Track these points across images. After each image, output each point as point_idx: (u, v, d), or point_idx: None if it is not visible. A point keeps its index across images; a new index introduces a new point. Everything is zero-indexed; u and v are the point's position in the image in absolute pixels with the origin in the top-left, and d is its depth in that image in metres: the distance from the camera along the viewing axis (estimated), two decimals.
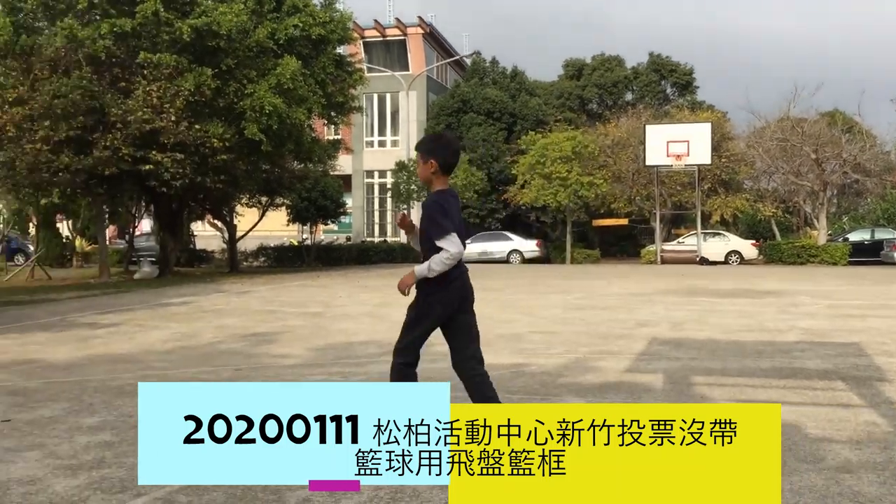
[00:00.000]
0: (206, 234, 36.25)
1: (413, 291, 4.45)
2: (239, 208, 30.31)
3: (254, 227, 30.08)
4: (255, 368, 7.51)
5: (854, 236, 34.86)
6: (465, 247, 4.46)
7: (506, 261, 34.04)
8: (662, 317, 11.86)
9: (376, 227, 44.50)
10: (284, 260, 34.18)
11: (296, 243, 37.31)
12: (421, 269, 4.35)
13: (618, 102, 44.94)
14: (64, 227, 35.00)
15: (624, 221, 38.02)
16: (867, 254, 32.15)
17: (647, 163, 32.93)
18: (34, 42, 20.89)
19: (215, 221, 31.05)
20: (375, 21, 42.84)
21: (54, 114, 19.07)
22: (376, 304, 14.21)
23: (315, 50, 23.28)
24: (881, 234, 33.79)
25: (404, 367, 4.45)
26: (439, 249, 4.28)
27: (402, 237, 39.27)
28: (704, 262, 31.72)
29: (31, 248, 31.54)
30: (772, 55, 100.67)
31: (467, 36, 64.76)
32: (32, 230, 33.29)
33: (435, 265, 4.30)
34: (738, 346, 8.67)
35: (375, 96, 43.03)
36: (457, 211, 4.54)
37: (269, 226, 34.61)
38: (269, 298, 15.90)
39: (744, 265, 31.53)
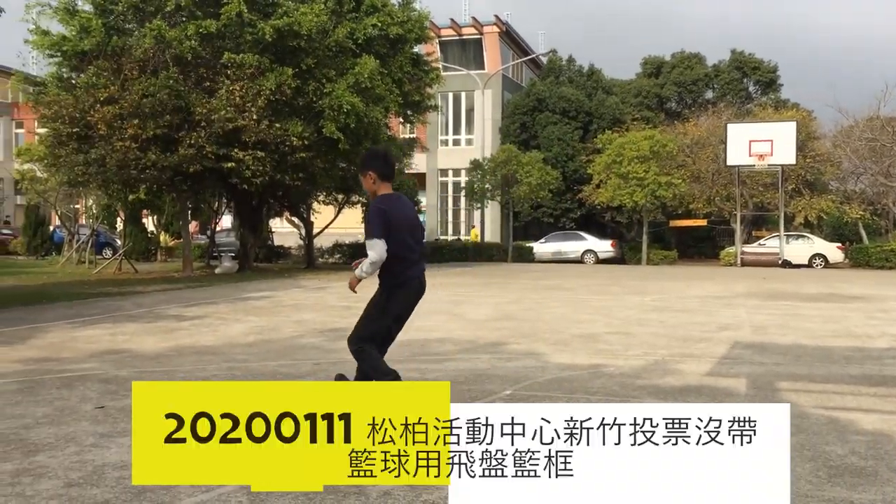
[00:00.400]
0: (283, 230, 36.94)
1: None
2: (316, 205, 30.81)
3: (330, 223, 30.55)
4: (334, 364, 7.64)
5: None
6: (418, 248, 5.35)
7: (580, 261, 33.73)
8: (744, 320, 11.59)
9: (450, 226, 44.65)
10: (359, 257, 34.45)
11: (473, 240, 37.86)
12: (357, 271, 5.10)
13: (697, 101, 44.01)
14: (149, 223, 36.20)
15: (703, 222, 37.20)
16: None
17: (728, 163, 32.14)
18: (124, 43, 21.70)
19: (293, 218, 31.64)
20: (451, 20, 42.98)
21: (143, 112, 19.75)
22: (449, 302, 14.28)
23: (392, 49, 23.52)
24: None
25: (365, 347, 5.22)
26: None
27: (475, 236, 39.37)
28: (787, 264, 30.79)
29: (119, 242, 32.75)
30: (861, 51, 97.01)
31: (543, 34, 64.42)
32: (120, 225, 34.55)
33: (363, 270, 5.08)
34: (825, 352, 8.41)
35: (451, 95, 43.16)
36: (404, 211, 5.27)
37: (345, 223, 35.08)
38: (345, 294, 16.11)
39: (829, 269, 30.51)
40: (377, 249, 5.01)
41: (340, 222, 32.49)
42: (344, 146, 22.01)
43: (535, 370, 7.31)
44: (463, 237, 41.58)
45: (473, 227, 41.13)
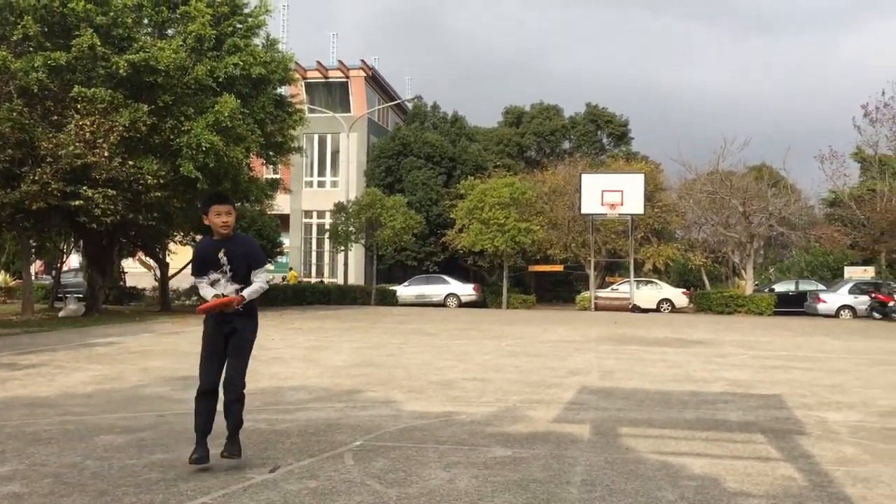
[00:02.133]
0: (138, 271, 35.42)
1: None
2: (172, 246, 29.76)
3: (187, 265, 29.48)
4: (178, 415, 7.32)
5: (780, 287, 35.99)
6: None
7: (443, 304, 34.08)
8: (593, 365, 12.01)
9: (313, 268, 44.16)
10: None
11: (290, 282, 36.77)
12: (248, 293, 5.28)
13: (555, 150, 45.84)
14: None
15: (559, 268, 38.53)
16: (792, 304, 33.18)
17: (583, 211, 33.57)
18: None
19: (146, 259, 30.39)
20: (318, 62, 43.03)
21: None
22: (308, 347, 14.06)
23: (255, 89, 23.23)
24: (805, 286, 34.96)
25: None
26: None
27: (339, 278, 39.04)
28: (637, 309, 32.27)
29: None
30: (704, 110, 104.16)
31: (410, 79, 65.54)
32: None
33: (254, 293, 5.33)
34: (665, 397, 8.82)
35: (316, 137, 43.02)
36: None
37: None
38: (199, 340, 15.51)
39: (675, 313, 32.18)
40: (266, 278, 5.47)
41: None
42: (202, 186, 21.43)
43: (389, 419, 7.28)
44: (327, 279, 41.18)
45: (291, 269, 40.60)
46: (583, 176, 33.99)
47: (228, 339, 5.31)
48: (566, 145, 46.85)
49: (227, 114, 20.79)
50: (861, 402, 8.69)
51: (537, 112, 47.24)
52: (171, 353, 12.99)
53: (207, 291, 5.31)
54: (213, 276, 5.30)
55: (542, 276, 41.13)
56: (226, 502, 4.53)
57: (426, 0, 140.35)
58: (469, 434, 6.61)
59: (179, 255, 29.97)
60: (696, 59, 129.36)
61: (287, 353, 13.06)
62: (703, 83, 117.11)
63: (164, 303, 28.22)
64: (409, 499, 4.66)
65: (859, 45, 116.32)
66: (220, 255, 5.27)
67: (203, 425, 5.30)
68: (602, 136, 47.54)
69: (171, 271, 29.02)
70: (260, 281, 5.37)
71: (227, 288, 5.25)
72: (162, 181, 20.59)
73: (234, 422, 5.35)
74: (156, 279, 30.12)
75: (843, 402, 8.72)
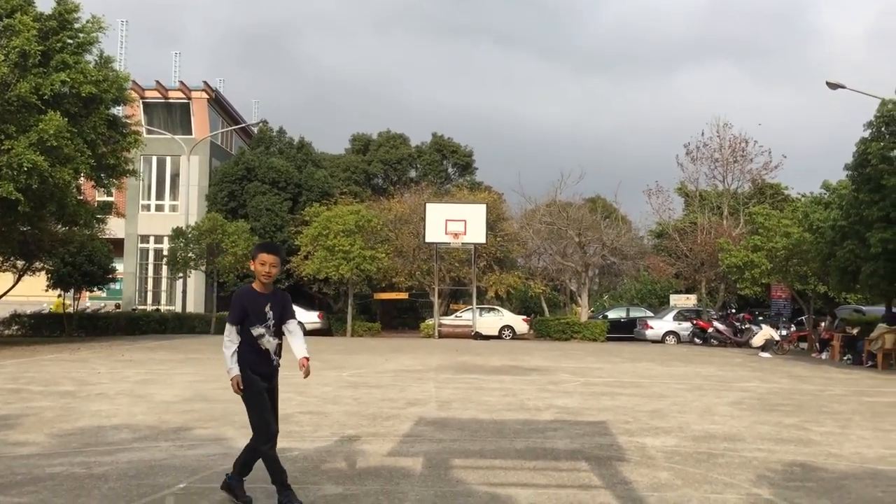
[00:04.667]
0: None
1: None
2: None
3: (7, 292, 27.45)
4: None
5: (612, 314, 37.91)
6: None
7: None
8: (432, 395, 12.12)
9: (149, 295, 42.20)
10: (43, 328, 31.38)
11: (54, 309, 34.37)
12: (305, 345, 5.46)
13: (402, 179, 46.36)
14: None
15: (404, 295, 38.80)
16: (623, 330, 35.03)
17: (427, 239, 34.04)
18: None
19: None
20: (157, 82, 41.47)
21: None
22: (138, 381, 13.37)
23: (85, 108, 22.01)
24: (635, 313, 37.01)
25: None
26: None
27: (178, 306, 37.47)
28: (479, 336, 32.97)
29: None
30: (545, 141, 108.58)
31: (257, 103, 64.39)
32: None
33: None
34: (499, 426, 9.03)
35: (155, 159, 41.38)
36: None
37: (26, 290, 31.73)
38: (14, 375, 14.47)
39: (516, 339, 33.11)
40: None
41: (21, 290, 29.32)
42: (24, 208, 20.04)
43: (218, 458, 7.02)
44: (164, 307, 39.43)
45: (60, 296, 32.97)
46: (427, 205, 34.50)
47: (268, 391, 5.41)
48: (412, 174, 47.50)
49: (52, 132, 19.56)
50: (677, 427, 9.24)
51: (384, 140, 47.65)
52: None
53: (230, 360, 5.25)
54: (259, 329, 5.23)
55: (388, 304, 41.27)
56: None
57: (274, 23, 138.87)
58: (300, 471, 6.49)
59: None
60: (538, 94, 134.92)
61: (112, 389, 12.37)
62: (545, 117, 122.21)
63: None
64: None
65: (686, 86, 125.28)
66: (267, 308, 5.26)
67: (282, 475, 5.32)
68: (448, 166, 48.55)
69: None
70: (300, 334, 5.52)
71: (272, 342, 5.29)
72: None
73: (280, 468, 5.37)
74: None
75: (661, 427, 9.25)
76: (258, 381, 5.24)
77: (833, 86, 26.19)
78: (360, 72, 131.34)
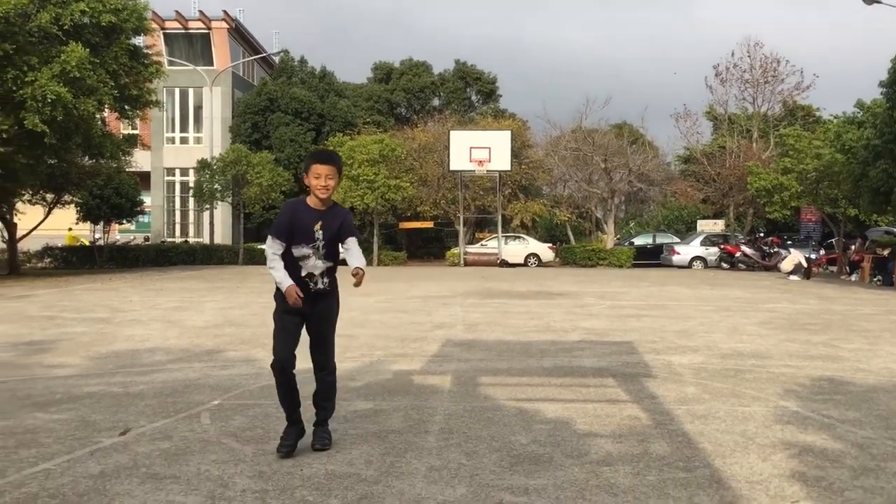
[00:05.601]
0: None
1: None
2: (20, 205, 27.93)
3: (38, 225, 27.81)
4: (23, 381, 6.94)
5: (638, 240, 37.74)
6: None
7: None
8: (458, 318, 12.22)
9: (177, 227, 42.59)
10: (74, 261, 31.89)
11: (87, 243, 34.88)
12: (361, 259, 4.81)
13: (425, 107, 45.84)
14: None
15: (430, 224, 38.82)
16: (649, 256, 34.88)
17: (451, 168, 33.84)
18: None
19: None
20: (177, 12, 41.02)
21: None
22: (169, 308, 13.60)
23: (106, 39, 21.86)
24: (661, 239, 36.81)
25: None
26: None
27: (205, 238, 37.85)
28: (505, 264, 33.02)
29: None
30: (569, 68, 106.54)
31: (277, 33, 63.58)
32: None
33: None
34: (525, 347, 9.09)
35: (177, 90, 41.21)
36: None
37: (56, 224, 32.14)
38: (49, 303, 14.76)
39: (541, 267, 33.14)
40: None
41: (51, 223, 29.70)
42: (51, 140, 20.12)
43: (249, 378, 7.16)
44: (191, 239, 39.83)
45: (70, 229, 34.40)
46: (451, 133, 34.19)
47: (308, 317, 4.70)
48: (436, 102, 46.95)
49: (74, 64, 19.48)
50: (704, 346, 9.25)
51: (407, 69, 47.00)
52: (17, 317, 12.26)
53: (279, 272, 4.59)
54: (303, 250, 4.61)
55: (413, 233, 41.37)
56: (70, 468, 4.34)
57: None
58: None
59: (28, 216, 28.19)
60: (562, 18, 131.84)
61: (145, 315, 12.59)
62: (569, 43, 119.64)
63: (13, 266, 26.52)
64: (266, 455, 4.62)
65: (716, 5, 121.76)
66: (317, 228, 4.62)
67: (290, 403, 4.71)
68: (471, 94, 47.90)
69: (19, 232, 27.26)
70: (358, 249, 4.83)
71: (318, 266, 4.65)
72: (5, 136, 19.20)
73: (325, 411, 4.83)
74: (3, 241, 28.23)
75: (688, 346, 9.27)
76: (286, 304, 4.59)
77: (869, 0, 25.29)
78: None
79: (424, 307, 14.11)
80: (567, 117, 63.24)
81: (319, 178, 4.62)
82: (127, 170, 29.92)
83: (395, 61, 48.04)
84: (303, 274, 4.63)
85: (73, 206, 29.99)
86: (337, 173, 4.69)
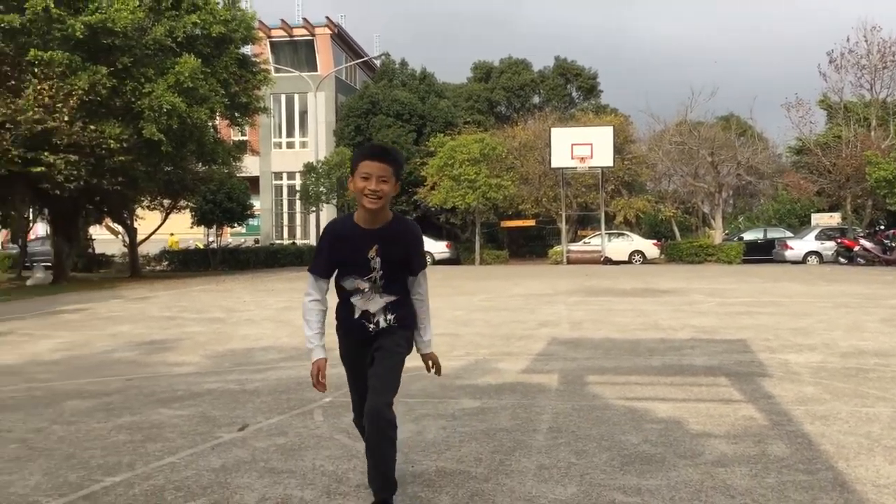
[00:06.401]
0: (106, 237, 34.99)
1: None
2: (140, 211, 29.40)
3: (156, 230, 29.23)
4: (147, 378, 7.30)
5: (748, 235, 36.44)
6: None
7: None
8: (563, 316, 12.11)
9: (285, 230, 43.92)
10: (189, 264, 33.35)
11: (201, 246, 36.40)
12: (430, 332, 3.79)
13: (525, 105, 45.69)
14: None
15: (531, 222, 38.63)
16: (760, 252, 33.63)
17: (553, 165, 33.60)
18: None
19: (114, 225, 30.03)
20: (282, 21, 42.30)
21: None
22: (280, 308, 14.03)
23: (217, 49, 22.78)
24: (773, 234, 35.42)
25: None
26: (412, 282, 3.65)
27: (312, 239, 38.85)
28: (608, 261, 32.53)
29: None
30: (671, 61, 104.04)
31: (378, 37, 64.75)
32: None
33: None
34: (633, 345, 8.93)
35: (283, 97, 42.48)
36: None
37: (173, 228, 33.71)
38: (168, 304, 15.48)
39: (646, 265, 32.47)
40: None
41: (168, 228, 31.19)
42: (167, 148, 21.11)
43: None
44: (299, 241, 40.95)
45: (172, 234, 36.35)
46: (552, 130, 33.96)
47: (372, 354, 3.56)
48: (536, 100, 46.73)
49: (187, 74, 20.40)
50: (822, 344, 8.86)
51: (506, 67, 46.96)
52: (139, 318, 12.91)
53: (311, 329, 3.55)
54: (352, 281, 3.50)
55: (515, 232, 41.25)
56: (193, 461, 4.54)
57: None
58: (438, 387, 6.66)
59: (147, 221, 29.66)
60: (663, 11, 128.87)
61: (258, 315, 13.03)
62: (670, 35, 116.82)
63: (134, 269, 27.96)
64: None
65: None
66: (372, 254, 3.44)
67: (377, 472, 3.51)
68: (571, 90, 47.45)
69: (139, 237, 28.70)
70: (425, 296, 3.70)
71: (377, 302, 3.51)
72: (125, 145, 20.25)
73: (382, 461, 3.45)
74: (124, 245, 29.79)
75: (806, 344, 8.89)
76: (349, 345, 3.66)
77: None
78: None
79: (528, 305, 14.06)
80: (670, 112, 61.77)
81: (369, 180, 3.34)
82: (237, 175, 31.08)
83: (495, 60, 48.13)
84: (356, 315, 3.52)
85: (187, 210, 31.34)
86: (393, 175, 3.39)
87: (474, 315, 12.53)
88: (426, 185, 35.43)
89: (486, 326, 10.99)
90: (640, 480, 4.08)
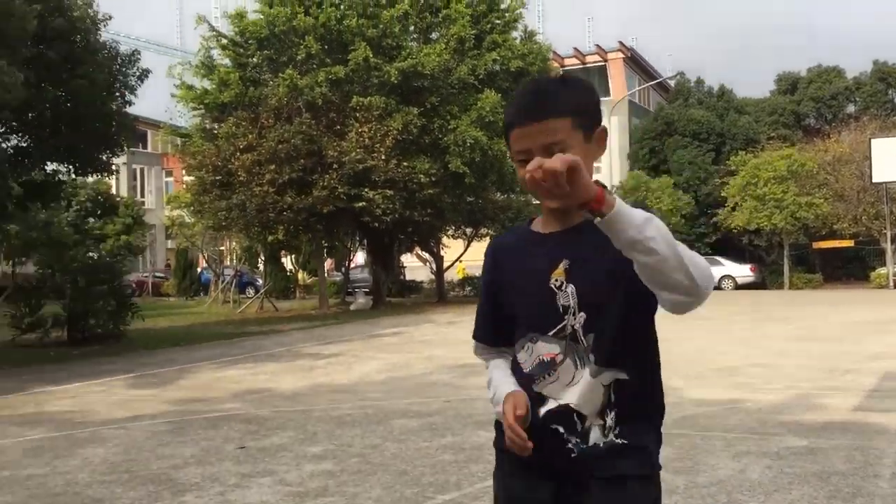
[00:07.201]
0: (414, 265, 37.65)
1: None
2: (445, 240, 31.27)
3: (460, 257, 30.88)
4: (463, 401, 7.69)
5: None
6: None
7: (718, 287, 32.52)
8: None
9: None
10: None
11: (458, 275, 37.75)
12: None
13: (838, 116, 41.87)
14: (287, 262, 37.72)
15: (849, 243, 35.13)
16: None
17: (874, 179, 30.37)
18: (260, 93, 22.91)
19: (423, 253, 32.19)
20: (575, 49, 42.93)
21: (279, 158, 20.72)
22: None
23: (515, 82, 23.67)
24: None
25: None
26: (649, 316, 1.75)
27: None
28: None
29: (260, 281, 34.29)
30: None
31: (670, 56, 63.31)
32: (260, 265, 36.18)
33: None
34: None
35: None
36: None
37: (474, 255, 35.33)
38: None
39: None
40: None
41: (469, 255, 32.77)
42: (470, 180, 22.32)
43: (670, 406, 7.05)
44: None
45: (461, 262, 32.44)
46: (872, 141, 30.75)
47: None
48: (850, 109, 42.61)
49: (488, 109, 21.47)
50: None
51: (815, 76, 43.45)
52: (451, 342, 13.67)
53: (495, 377, 1.80)
54: (536, 344, 1.71)
55: (829, 253, 37.77)
56: None
57: None
58: (758, 422, 6.28)
59: (452, 249, 31.45)
60: None
61: None
62: None
63: (441, 294, 29.74)
64: (698, 488, 4.53)
65: None
66: (556, 276, 1.66)
67: None
68: (893, 96, 42.66)
69: (444, 264, 30.51)
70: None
71: (576, 380, 1.67)
72: (433, 179, 21.72)
73: None
74: (431, 272, 31.80)
75: None
76: (515, 475, 1.83)
77: None
78: (778, 4, 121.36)
79: (851, 335, 12.79)
80: None
81: (520, 146, 1.65)
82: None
83: (801, 70, 44.74)
84: (542, 411, 1.71)
85: (488, 238, 32.74)
86: (577, 127, 1.63)
87: (790, 345, 11.65)
88: (727, 206, 33.78)
89: (806, 357, 10.16)
90: None
